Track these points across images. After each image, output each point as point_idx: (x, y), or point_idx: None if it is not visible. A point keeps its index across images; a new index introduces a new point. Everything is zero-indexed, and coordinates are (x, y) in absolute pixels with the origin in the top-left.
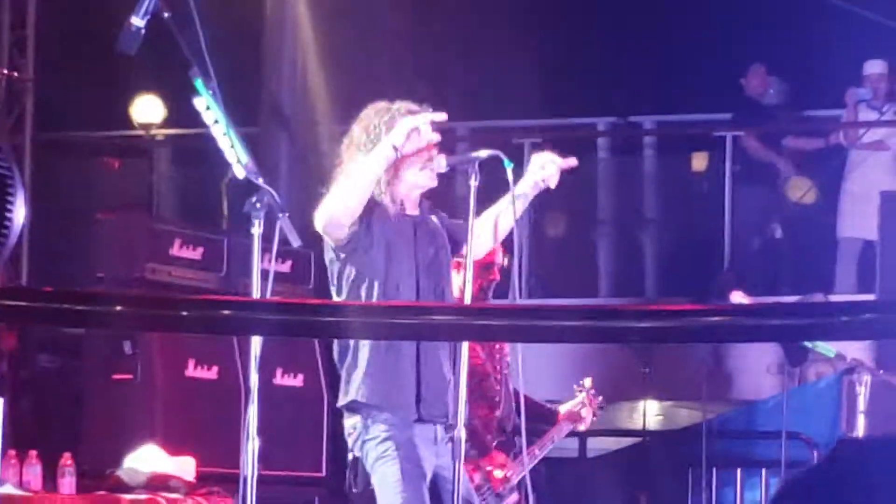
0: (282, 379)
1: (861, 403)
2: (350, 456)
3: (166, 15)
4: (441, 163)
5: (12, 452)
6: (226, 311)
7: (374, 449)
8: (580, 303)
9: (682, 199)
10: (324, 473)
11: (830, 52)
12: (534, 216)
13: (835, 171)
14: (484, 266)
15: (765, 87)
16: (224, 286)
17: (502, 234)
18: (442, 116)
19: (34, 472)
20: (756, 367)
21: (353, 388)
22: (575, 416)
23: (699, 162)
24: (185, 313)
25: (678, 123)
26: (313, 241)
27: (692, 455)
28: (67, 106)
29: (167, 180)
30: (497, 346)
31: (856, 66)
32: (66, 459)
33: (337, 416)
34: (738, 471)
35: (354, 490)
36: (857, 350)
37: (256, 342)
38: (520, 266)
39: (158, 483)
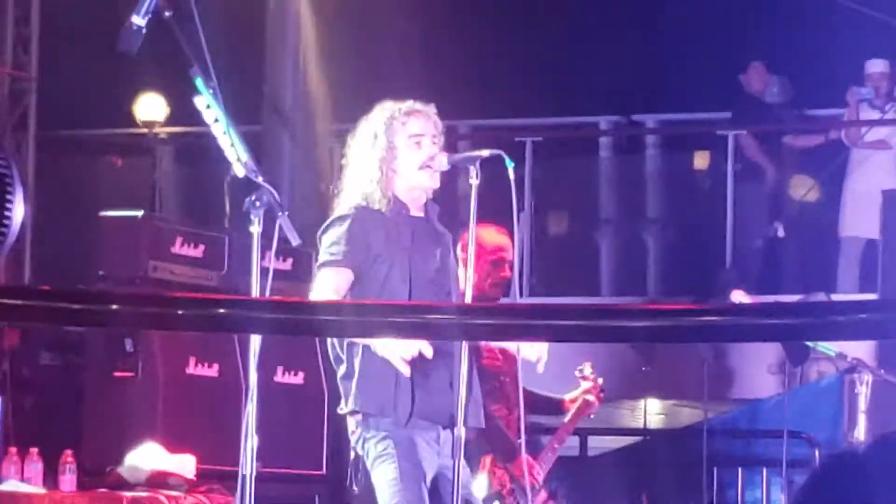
0: (282, 377)
1: (862, 403)
2: (352, 454)
3: (167, 14)
4: (442, 161)
5: (14, 450)
6: (219, 310)
7: (373, 447)
8: (576, 301)
9: (684, 197)
10: (324, 471)
11: (832, 50)
12: (536, 215)
13: (837, 170)
14: (494, 263)
15: (765, 85)
16: (225, 284)
17: None
18: (427, 351)
19: (35, 469)
20: (758, 366)
21: (351, 398)
22: (582, 406)
23: (701, 161)
24: (178, 311)
25: (680, 122)
26: (314, 239)
27: (693, 454)
28: (71, 104)
29: (170, 178)
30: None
31: (858, 64)
32: (68, 457)
33: (337, 414)
34: (740, 470)
35: (355, 488)
36: (858, 349)
37: (256, 340)
38: (521, 265)
39: (159, 480)
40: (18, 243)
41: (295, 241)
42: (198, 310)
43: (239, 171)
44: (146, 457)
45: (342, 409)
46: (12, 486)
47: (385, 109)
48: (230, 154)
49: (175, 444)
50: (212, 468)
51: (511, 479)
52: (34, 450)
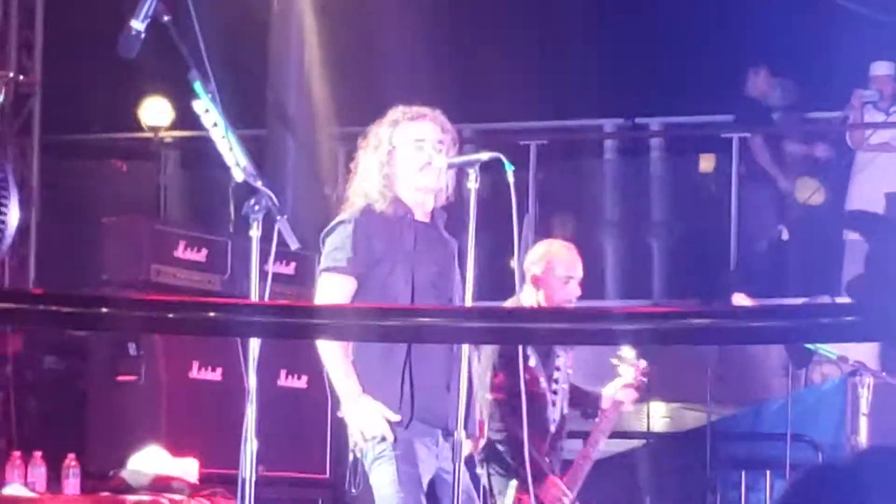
0: (286, 380)
1: (864, 406)
2: (351, 456)
3: (166, 18)
4: (441, 163)
5: (17, 453)
6: (211, 314)
7: (371, 449)
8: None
9: (689, 200)
10: (327, 475)
11: (836, 53)
12: (540, 218)
13: (842, 173)
14: (564, 281)
15: (769, 89)
16: (228, 288)
17: None
18: (395, 418)
19: (39, 472)
20: (762, 369)
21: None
22: (615, 404)
23: (706, 164)
24: (169, 315)
25: (685, 125)
26: (317, 243)
27: (697, 457)
28: (76, 108)
29: (175, 183)
30: (548, 356)
31: (862, 67)
32: (71, 460)
33: (340, 417)
34: (743, 473)
35: (354, 490)
36: (860, 352)
37: (255, 344)
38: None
39: (162, 484)
40: (23, 248)
41: (294, 245)
42: (188, 313)
43: (238, 176)
44: (149, 460)
45: (341, 412)
46: (15, 489)
47: (392, 114)
48: (229, 158)
49: (178, 447)
50: (215, 472)
51: None
52: (38, 453)
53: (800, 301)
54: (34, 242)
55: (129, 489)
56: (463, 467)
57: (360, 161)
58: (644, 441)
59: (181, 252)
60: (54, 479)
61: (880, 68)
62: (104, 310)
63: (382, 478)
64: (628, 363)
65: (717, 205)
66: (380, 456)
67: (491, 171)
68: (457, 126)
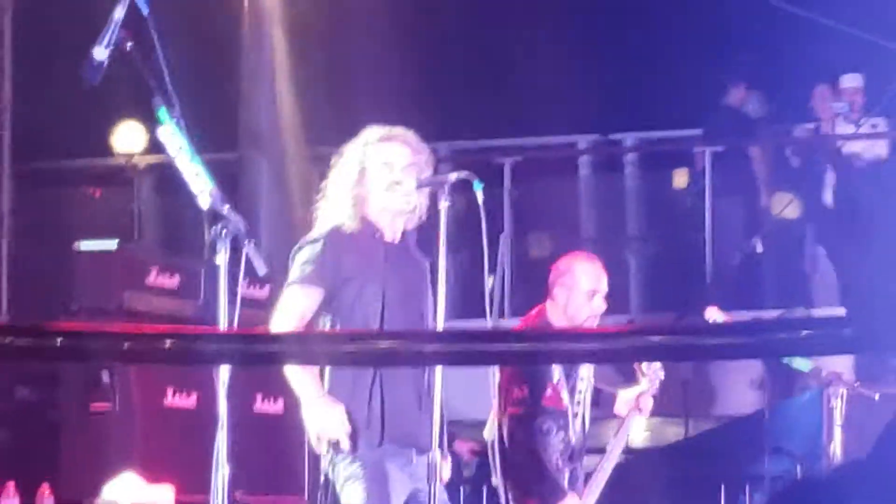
0: (261, 405)
1: (838, 417)
2: (321, 477)
3: (129, 45)
4: (410, 184)
5: None
6: (167, 343)
7: (343, 469)
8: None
9: (664, 214)
10: (306, 497)
11: (807, 66)
12: (516, 236)
13: (814, 185)
14: (588, 295)
15: (746, 100)
16: (202, 314)
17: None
18: (345, 444)
19: (13, 503)
20: (740, 382)
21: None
22: (636, 404)
23: (680, 179)
24: (126, 345)
25: (659, 140)
26: (285, 268)
27: (675, 472)
28: (47, 134)
29: (149, 208)
30: (574, 378)
31: (832, 79)
32: (45, 490)
33: None
34: (723, 487)
35: None
36: (837, 363)
37: (225, 370)
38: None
39: None
40: None
41: (262, 270)
42: (145, 344)
43: (204, 202)
44: (124, 488)
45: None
46: None
47: (364, 134)
48: (194, 184)
49: (153, 475)
50: (189, 499)
51: None
52: (11, 483)
53: (775, 313)
54: (5, 270)
55: None
56: (440, 486)
57: (331, 181)
58: (624, 457)
59: (153, 279)
60: None
61: (850, 80)
62: (60, 341)
63: (352, 498)
64: (651, 372)
65: (692, 218)
66: (351, 476)
67: (466, 190)
68: (431, 145)
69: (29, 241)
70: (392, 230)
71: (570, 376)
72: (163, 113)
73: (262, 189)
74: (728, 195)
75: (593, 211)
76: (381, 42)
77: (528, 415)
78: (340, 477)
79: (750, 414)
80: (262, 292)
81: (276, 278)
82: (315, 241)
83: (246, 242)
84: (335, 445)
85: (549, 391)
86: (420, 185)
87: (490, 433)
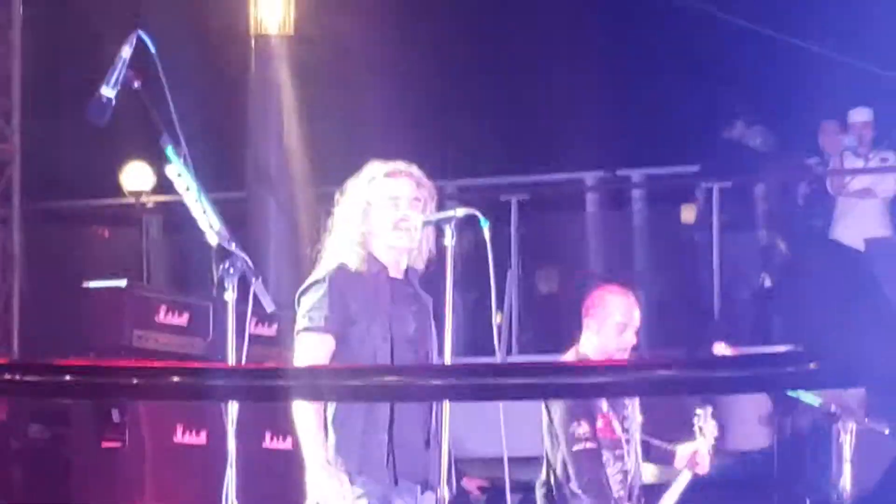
0: (270, 442)
1: (847, 452)
2: None
3: (136, 84)
4: (416, 221)
5: None
6: (173, 378)
7: None
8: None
9: (672, 250)
10: None
11: (815, 100)
12: (524, 272)
13: (824, 219)
14: (619, 328)
15: (750, 135)
16: (211, 352)
17: None
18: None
19: None
20: (749, 418)
21: (330, 458)
22: (692, 461)
23: (688, 214)
24: (134, 381)
25: (666, 176)
26: (293, 306)
27: None
28: (56, 175)
29: (159, 247)
30: (622, 406)
31: (841, 114)
32: None
33: None
34: None
35: None
36: (846, 397)
37: (234, 407)
38: (510, 322)
39: None
40: (6, 316)
41: (269, 307)
42: (150, 379)
43: (212, 240)
44: None
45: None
46: None
47: (368, 170)
48: (202, 222)
49: None
50: None
51: None
52: None
53: (784, 348)
54: (17, 311)
55: None
56: None
57: (336, 217)
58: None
59: (163, 317)
60: None
61: (859, 115)
62: (68, 377)
63: None
64: (709, 430)
65: (700, 254)
66: None
67: (473, 227)
68: (438, 183)
69: (39, 280)
70: (397, 267)
71: (616, 404)
72: (170, 152)
73: (271, 227)
74: (735, 230)
75: (601, 247)
76: (388, 81)
77: (595, 449)
78: None
79: (760, 449)
80: (270, 330)
81: (284, 315)
82: (320, 282)
83: (253, 280)
84: None
85: (600, 422)
86: (427, 223)
87: (544, 474)
